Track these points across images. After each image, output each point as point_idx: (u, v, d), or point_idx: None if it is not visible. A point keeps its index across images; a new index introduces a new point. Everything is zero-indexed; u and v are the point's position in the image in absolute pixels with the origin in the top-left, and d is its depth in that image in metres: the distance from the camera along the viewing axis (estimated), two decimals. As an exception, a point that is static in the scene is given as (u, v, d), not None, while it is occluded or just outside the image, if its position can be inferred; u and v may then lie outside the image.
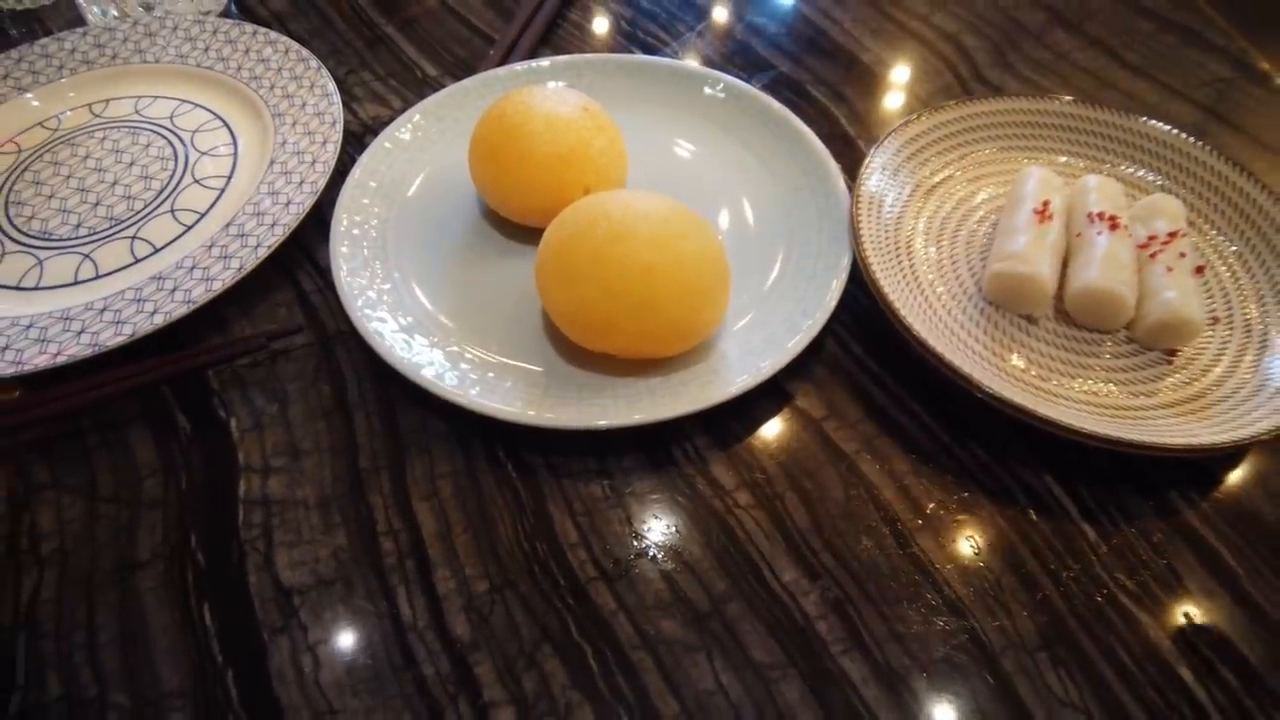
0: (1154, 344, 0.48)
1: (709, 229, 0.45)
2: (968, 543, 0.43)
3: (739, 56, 0.67)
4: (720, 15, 0.71)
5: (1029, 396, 0.45)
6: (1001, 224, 0.52)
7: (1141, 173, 0.56)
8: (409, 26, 0.69)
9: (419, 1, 0.71)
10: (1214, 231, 0.53)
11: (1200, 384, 0.46)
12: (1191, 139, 0.55)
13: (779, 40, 0.69)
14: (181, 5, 0.69)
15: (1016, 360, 0.47)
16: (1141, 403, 0.46)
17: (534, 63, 0.61)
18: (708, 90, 0.60)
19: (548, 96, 0.50)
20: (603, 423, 0.43)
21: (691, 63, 0.62)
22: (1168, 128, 0.56)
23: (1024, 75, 0.67)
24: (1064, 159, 0.57)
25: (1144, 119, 0.56)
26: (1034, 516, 0.44)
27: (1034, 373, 0.47)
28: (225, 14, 0.70)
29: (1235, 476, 0.46)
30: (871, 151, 0.53)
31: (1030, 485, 0.45)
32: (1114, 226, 0.48)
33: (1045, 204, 0.50)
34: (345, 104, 0.63)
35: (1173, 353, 0.47)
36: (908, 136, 0.55)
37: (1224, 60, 0.69)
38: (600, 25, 0.69)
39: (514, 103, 0.50)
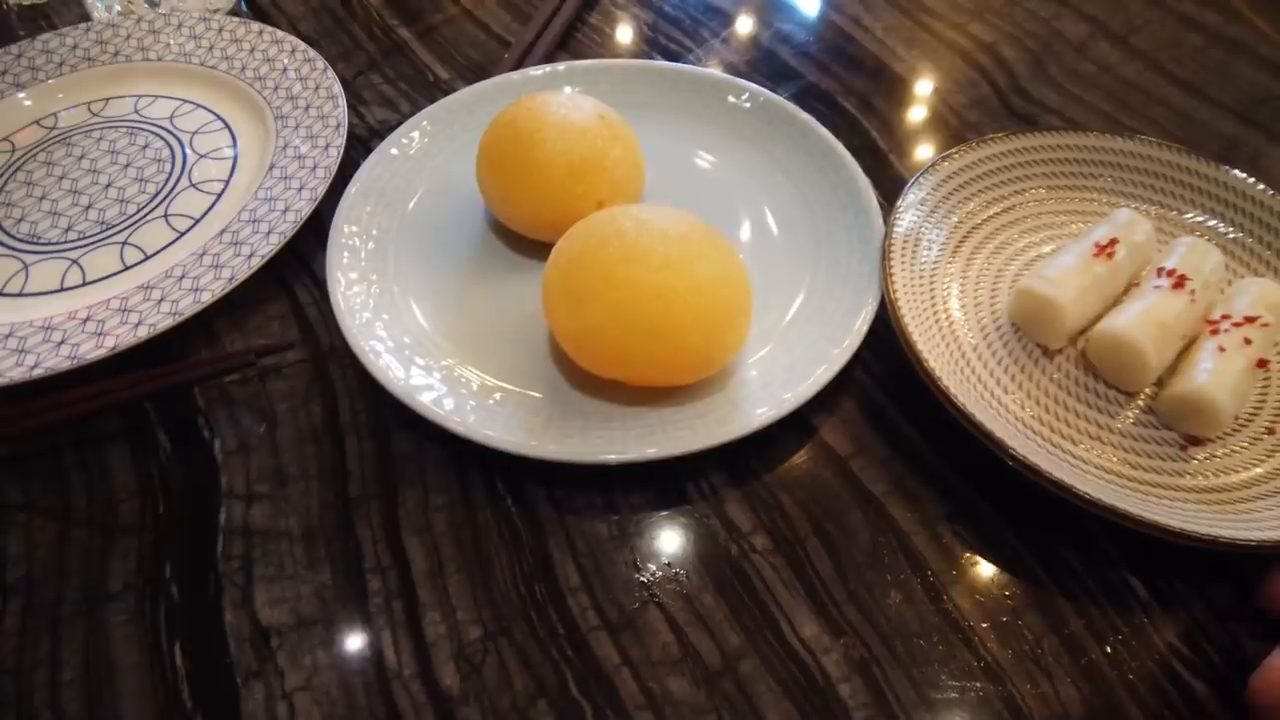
0: (1173, 423, 0.43)
1: (730, 249, 0.42)
2: (1005, 599, 0.39)
3: (764, 64, 0.64)
4: (745, 21, 0.67)
5: (1055, 462, 0.41)
6: (1060, 249, 0.48)
7: (1214, 223, 0.52)
8: (421, 28, 0.66)
9: (438, 8, 0.68)
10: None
11: (1221, 479, 0.42)
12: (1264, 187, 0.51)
13: (807, 48, 0.65)
14: (190, 2, 0.66)
15: (1027, 410, 0.44)
16: (1163, 480, 0.42)
17: (549, 67, 0.58)
18: (731, 99, 0.56)
19: (562, 103, 0.47)
20: (610, 457, 0.40)
21: (714, 70, 0.59)
22: (1252, 180, 0.51)
23: (1065, 89, 0.63)
24: (1134, 204, 0.53)
25: (1227, 168, 0.51)
26: (1078, 570, 0.40)
27: (1051, 425, 0.44)
28: (234, 12, 0.67)
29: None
30: (909, 185, 0.49)
31: (1075, 536, 0.41)
32: (1178, 285, 0.44)
33: (1112, 241, 0.46)
34: (352, 107, 0.60)
35: (1194, 441, 0.43)
36: (950, 170, 0.51)
37: (1277, 75, 0.65)
38: (621, 30, 0.66)
39: (526, 109, 0.47)
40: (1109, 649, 0.38)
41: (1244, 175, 0.51)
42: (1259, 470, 0.42)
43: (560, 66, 0.58)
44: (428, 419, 0.41)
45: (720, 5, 0.68)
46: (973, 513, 0.42)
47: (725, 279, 0.40)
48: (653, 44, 0.65)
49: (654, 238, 0.39)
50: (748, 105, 0.56)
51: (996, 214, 0.52)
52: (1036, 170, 0.53)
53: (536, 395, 0.43)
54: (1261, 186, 0.51)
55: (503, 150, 0.46)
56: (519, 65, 0.61)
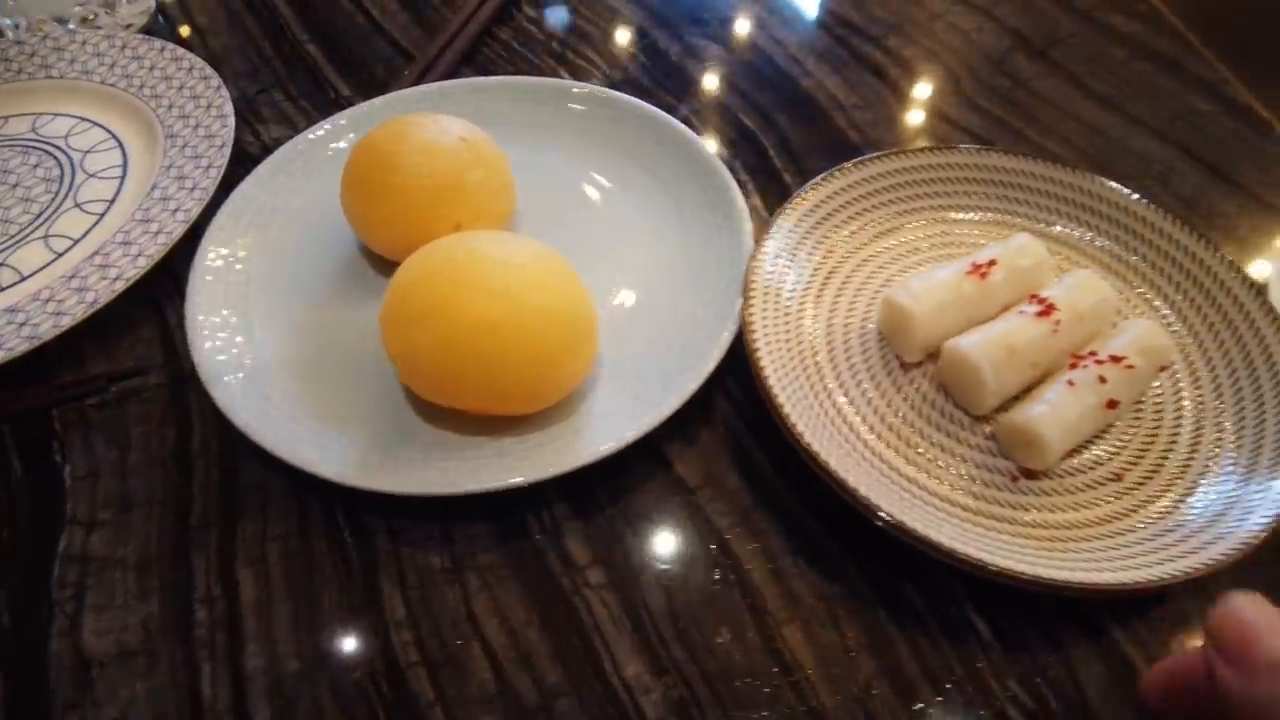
0: (1009, 452, 0.42)
1: (573, 278, 0.41)
2: (840, 640, 0.38)
3: (670, 80, 0.63)
4: (657, 37, 0.66)
5: (894, 494, 0.40)
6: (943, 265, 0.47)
7: (1090, 236, 0.50)
8: (331, 44, 0.66)
9: (349, 23, 0.67)
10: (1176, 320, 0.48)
11: (1056, 516, 0.41)
12: (1143, 200, 0.49)
13: (715, 64, 0.64)
14: (104, 20, 0.66)
15: (876, 431, 0.43)
16: (1000, 513, 0.41)
17: (436, 86, 0.57)
18: (573, 106, 0.56)
19: (424, 125, 0.47)
20: (438, 489, 0.39)
21: (592, 85, 0.58)
22: (1118, 187, 0.50)
23: (977, 104, 0.62)
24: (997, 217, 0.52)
25: (1094, 177, 0.50)
26: (920, 608, 0.39)
27: (899, 448, 0.43)
28: (151, 27, 0.67)
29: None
30: (776, 214, 0.48)
31: (919, 572, 0.40)
32: (1043, 314, 0.43)
33: (991, 263, 0.45)
34: (250, 125, 0.60)
35: (1027, 474, 0.41)
36: (820, 197, 0.50)
37: (1201, 92, 0.63)
38: (530, 46, 0.66)
39: (388, 130, 0.47)
40: (941, 694, 0.37)
41: (1116, 186, 0.50)
42: (1098, 511, 0.41)
43: (445, 85, 0.57)
44: (264, 449, 0.41)
45: (634, 20, 0.68)
46: (817, 548, 0.41)
47: (562, 309, 0.39)
48: (561, 60, 0.65)
49: (486, 266, 0.39)
50: (583, 108, 0.56)
51: (881, 234, 0.51)
52: (911, 191, 0.52)
53: (377, 425, 0.43)
54: (1135, 196, 0.50)
55: (361, 174, 0.46)
56: (419, 82, 0.60)
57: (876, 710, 0.37)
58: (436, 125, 0.47)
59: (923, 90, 0.63)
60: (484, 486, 0.39)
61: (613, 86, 0.62)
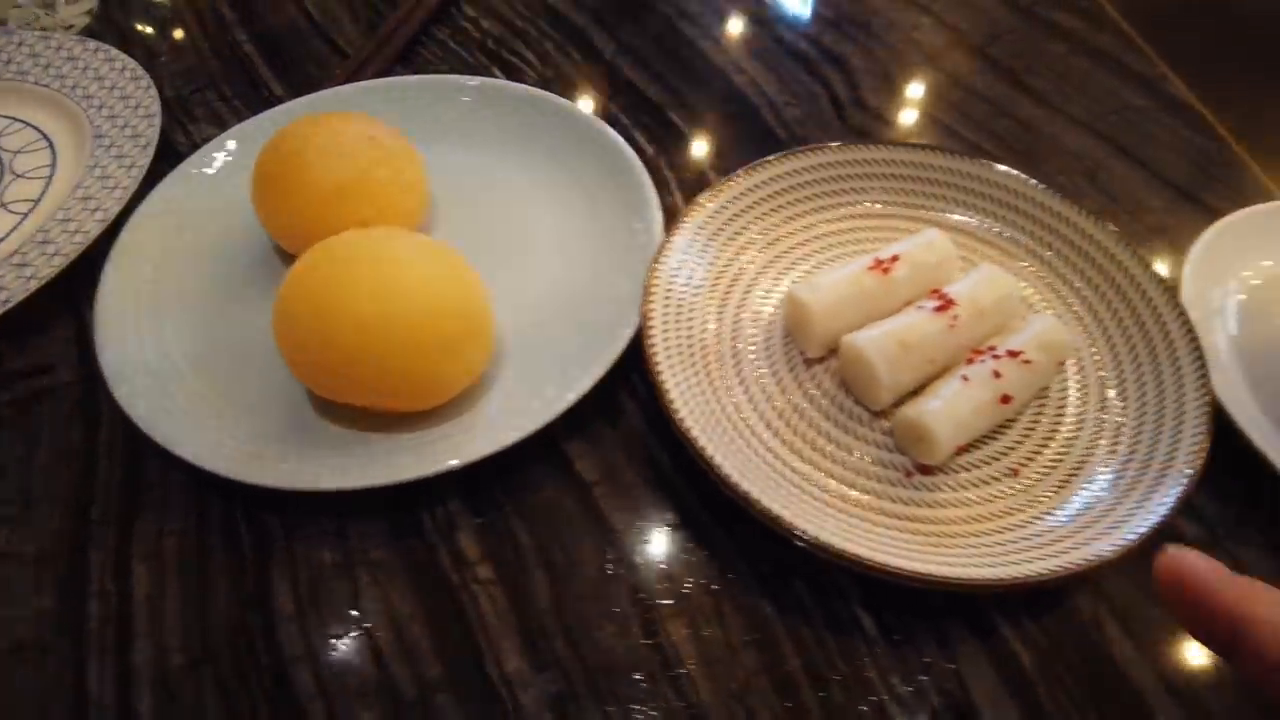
0: (904, 447, 0.42)
1: (461, 276, 0.41)
2: (724, 636, 0.38)
3: (603, 78, 0.63)
4: (593, 35, 0.67)
5: (782, 490, 0.40)
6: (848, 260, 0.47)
7: (1007, 232, 0.50)
8: (269, 44, 0.66)
9: (287, 22, 0.68)
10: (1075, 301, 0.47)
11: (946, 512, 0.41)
12: (1061, 196, 0.49)
13: (649, 61, 0.64)
14: (45, 20, 0.67)
15: (773, 428, 0.43)
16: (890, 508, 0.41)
17: (364, 84, 0.58)
18: (464, 98, 0.57)
19: (333, 123, 0.47)
20: (325, 485, 0.39)
21: (519, 84, 0.58)
22: (1035, 183, 0.50)
23: (910, 101, 0.62)
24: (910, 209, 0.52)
25: (1013, 173, 0.50)
26: (808, 604, 0.39)
27: (794, 445, 0.42)
28: (92, 28, 0.68)
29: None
30: (685, 211, 0.48)
31: (810, 568, 0.40)
32: (941, 309, 0.43)
33: (894, 258, 0.45)
34: (181, 125, 0.61)
35: (922, 470, 0.41)
36: (731, 195, 0.49)
37: (1139, 88, 0.63)
38: (466, 45, 0.66)
39: (295, 129, 0.47)
40: (822, 691, 0.37)
41: (1034, 182, 0.50)
42: (991, 507, 0.40)
43: (370, 83, 0.58)
44: (158, 444, 0.41)
45: (570, 18, 0.68)
46: (710, 544, 0.41)
47: (446, 307, 0.40)
48: (496, 59, 0.65)
49: (365, 266, 0.39)
50: (470, 99, 0.57)
51: (795, 230, 0.51)
52: (824, 187, 0.51)
53: (279, 422, 0.43)
54: (1033, 182, 0.50)
55: (268, 172, 0.46)
56: (349, 81, 0.60)
57: (755, 707, 0.37)
58: (344, 123, 0.47)
59: (855, 87, 0.62)
60: (370, 482, 0.39)
61: (545, 85, 0.62)
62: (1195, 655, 0.38)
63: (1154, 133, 0.60)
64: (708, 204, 0.49)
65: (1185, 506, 0.42)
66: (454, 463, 0.40)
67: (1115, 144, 0.59)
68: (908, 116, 0.60)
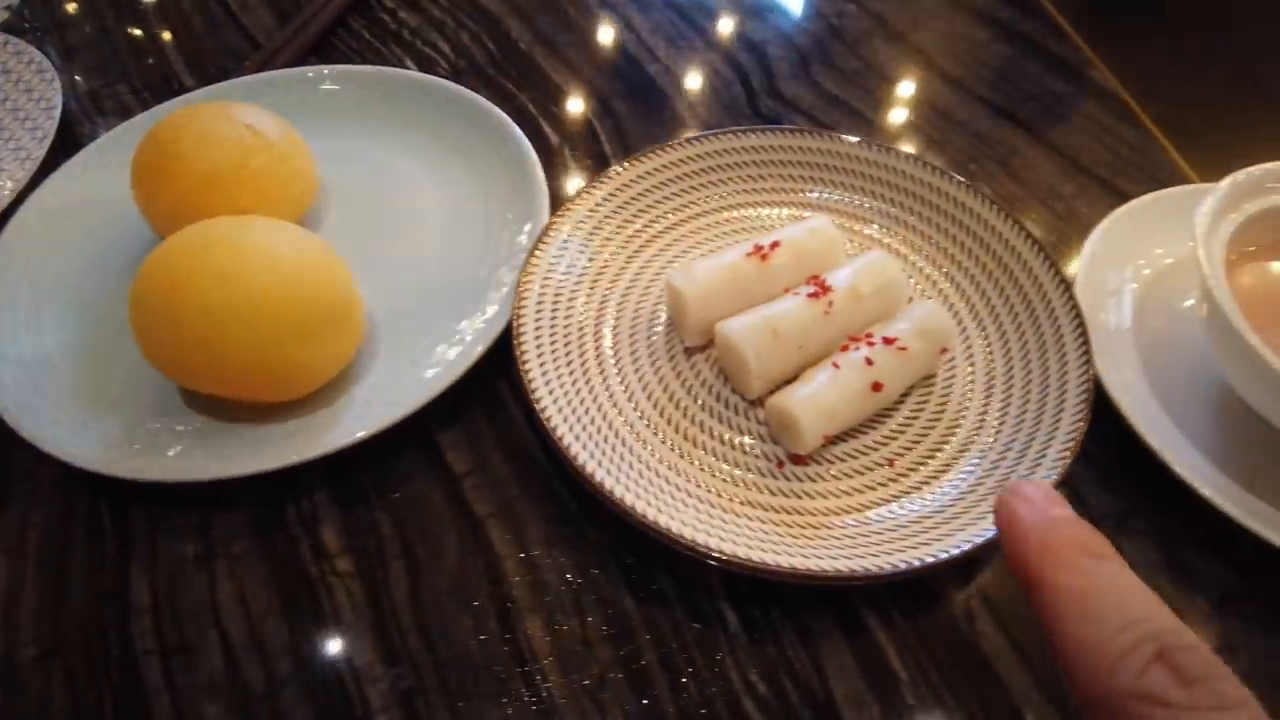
0: (776, 436, 0.41)
1: (325, 263, 0.41)
2: (582, 630, 0.38)
3: (516, 68, 0.62)
4: (510, 25, 0.66)
5: (641, 483, 0.39)
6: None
7: (904, 217, 0.50)
8: (183, 35, 0.66)
9: (202, 12, 0.67)
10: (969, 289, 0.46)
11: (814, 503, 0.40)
12: (960, 181, 0.48)
13: (564, 50, 0.64)
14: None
15: (646, 420, 0.42)
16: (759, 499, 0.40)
17: (265, 75, 0.57)
18: (362, 88, 0.56)
19: (212, 113, 0.46)
20: (184, 476, 0.39)
21: (419, 74, 0.57)
22: (931, 168, 0.49)
23: (823, 88, 0.61)
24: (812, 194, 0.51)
25: (913, 158, 0.49)
26: (671, 598, 0.38)
27: (667, 435, 0.42)
28: (11, 23, 0.67)
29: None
30: (569, 201, 0.48)
31: (674, 563, 0.39)
32: (815, 295, 0.42)
33: (774, 245, 0.44)
34: (90, 118, 0.60)
35: (794, 460, 0.41)
36: (619, 184, 0.49)
37: (1061, 74, 0.62)
38: (381, 36, 0.65)
39: (173, 120, 0.46)
40: (676, 687, 0.36)
41: (931, 166, 0.49)
42: (861, 498, 0.40)
43: (270, 75, 0.57)
44: (21, 436, 0.41)
45: (489, 8, 0.67)
46: (576, 537, 0.40)
47: (300, 295, 0.39)
48: (410, 50, 0.64)
49: (215, 251, 0.38)
50: (408, 96, 0.56)
51: (686, 219, 0.50)
52: (717, 175, 0.51)
53: (146, 414, 0.42)
54: (932, 168, 0.49)
55: (145, 162, 0.46)
56: (261, 71, 0.60)
57: (606, 703, 0.36)
58: (223, 112, 0.47)
59: (769, 74, 0.62)
60: (226, 474, 0.39)
61: (457, 75, 0.61)
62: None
63: (1073, 119, 0.59)
64: (593, 193, 0.48)
65: (1072, 498, 0.42)
66: (314, 454, 0.39)
67: (1032, 130, 0.58)
68: (821, 105, 0.59)
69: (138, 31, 0.67)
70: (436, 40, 0.65)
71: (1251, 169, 0.42)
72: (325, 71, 0.57)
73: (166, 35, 0.66)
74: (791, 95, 0.60)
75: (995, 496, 0.21)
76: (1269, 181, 0.43)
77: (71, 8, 0.70)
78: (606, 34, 0.65)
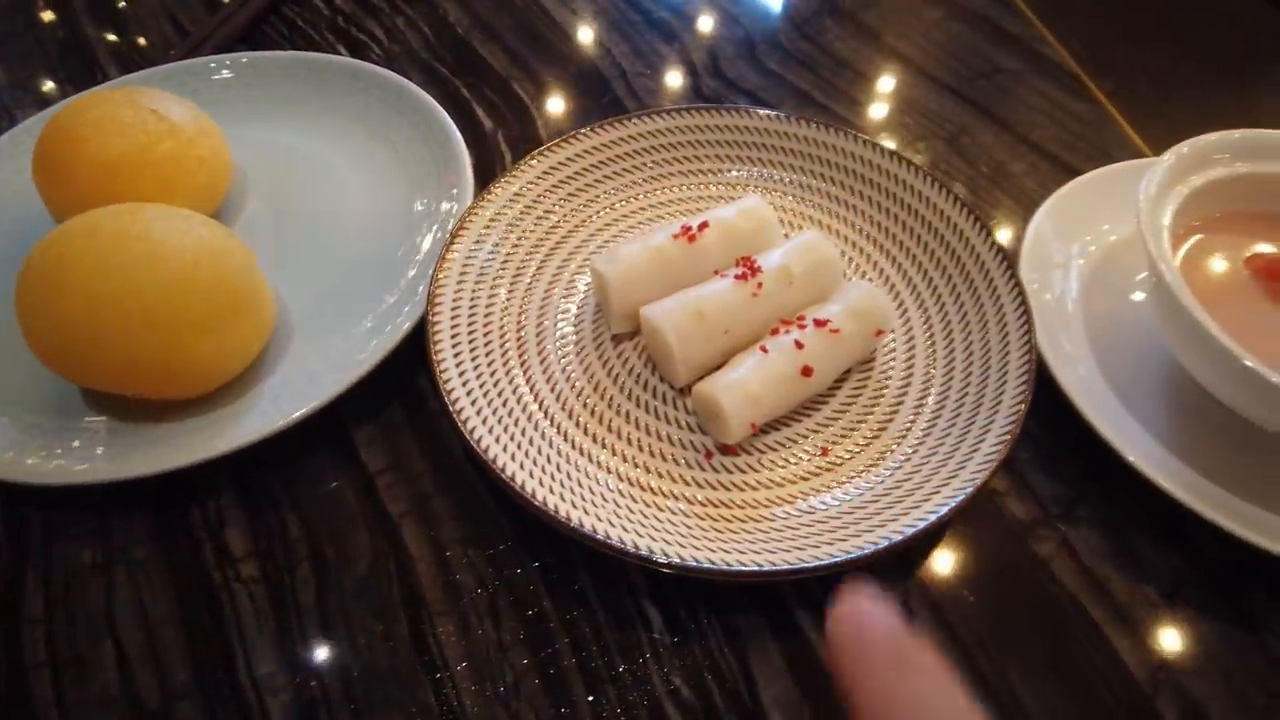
0: (704, 425, 0.39)
1: (226, 253, 0.39)
2: (496, 635, 0.36)
3: (452, 54, 0.60)
4: (447, 10, 0.64)
5: (553, 477, 0.37)
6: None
7: (824, 188, 0.48)
8: (112, 26, 0.64)
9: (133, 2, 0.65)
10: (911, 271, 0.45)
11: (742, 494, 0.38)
12: (904, 161, 0.46)
13: (502, 35, 0.62)
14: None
15: (566, 412, 0.40)
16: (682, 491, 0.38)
17: (184, 63, 0.55)
18: (285, 74, 0.54)
19: (117, 99, 0.44)
20: (78, 480, 0.37)
21: (346, 59, 0.55)
22: (876, 147, 0.47)
23: (770, 69, 0.59)
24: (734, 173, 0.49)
25: (856, 136, 0.47)
26: (592, 599, 0.36)
27: (588, 425, 0.40)
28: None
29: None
30: (486, 190, 0.46)
31: (597, 563, 0.37)
32: (745, 276, 0.40)
33: (703, 226, 0.42)
34: (8, 111, 0.58)
35: (723, 450, 0.39)
36: (545, 167, 0.47)
37: (1012, 51, 0.60)
38: (313, 22, 0.63)
39: (74, 106, 0.44)
40: (595, 692, 0.34)
41: (876, 145, 0.47)
42: (789, 490, 0.38)
43: (189, 63, 0.55)
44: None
45: (426, -8, 0.65)
46: (492, 537, 0.38)
47: (195, 286, 0.37)
48: (343, 36, 0.62)
49: (101, 241, 0.36)
50: (291, 75, 0.54)
51: (622, 200, 0.48)
52: (652, 156, 0.49)
53: (44, 414, 0.40)
54: (876, 146, 0.47)
55: (45, 150, 0.44)
56: (187, 58, 0.57)
57: (520, 710, 0.34)
58: (128, 99, 0.45)
59: (712, 56, 0.60)
60: (118, 475, 0.37)
61: (390, 61, 0.59)
62: (1000, 644, 0.35)
63: (1024, 96, 0.57)
64: (516, 178, 0.46)
65: (1017, 484, 0.40)
66: (213, 452, 0.37)
67: (981, 107, 0.56)
68: (765, 85, 0.58)
69: (64, 22, 0.65)
70: (371, 26, 0.62)
71: (1195, 140, 0.41)
72: (238, 59, 0.55)
73: (92, 27, 0.64)
74: (735, 76, 0.58)
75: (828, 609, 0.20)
76: (1214, 153, 0.41)
77: (-3, -1, 0.67)
78: (547, 18, 0.63)
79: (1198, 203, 0.41)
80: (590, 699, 0.34)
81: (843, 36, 0.61)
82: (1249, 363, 0.33)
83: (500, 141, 0.54)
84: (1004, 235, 0.48)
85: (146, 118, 0.44)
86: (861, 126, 0.55)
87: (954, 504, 0.35)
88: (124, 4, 0.66)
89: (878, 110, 0.56)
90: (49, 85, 0.60)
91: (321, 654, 0.35)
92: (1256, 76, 0.60)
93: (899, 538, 0.34)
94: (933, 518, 0.34)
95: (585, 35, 0.61)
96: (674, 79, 0.58)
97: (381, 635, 0.36)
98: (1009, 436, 0.36)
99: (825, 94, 0.57)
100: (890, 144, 0.51)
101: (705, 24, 0.62)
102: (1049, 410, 0.40)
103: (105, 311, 0.35)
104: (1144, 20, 0.63)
